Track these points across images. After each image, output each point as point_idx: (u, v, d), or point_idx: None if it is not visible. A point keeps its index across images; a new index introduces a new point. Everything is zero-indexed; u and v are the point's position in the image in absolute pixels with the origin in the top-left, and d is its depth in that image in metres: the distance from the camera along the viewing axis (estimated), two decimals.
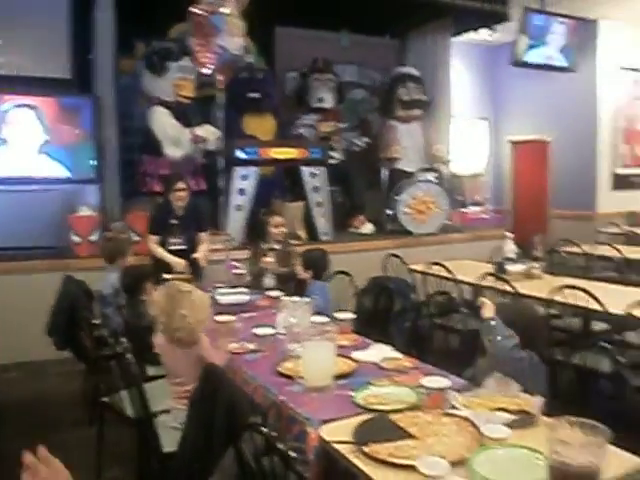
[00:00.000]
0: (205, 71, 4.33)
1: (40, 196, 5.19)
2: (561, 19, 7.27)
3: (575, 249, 5.58)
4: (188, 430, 2.01)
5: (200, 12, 4.15)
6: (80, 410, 3.52)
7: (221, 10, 4.06)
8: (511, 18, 6.68)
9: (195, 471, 1.94)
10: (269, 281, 3.97)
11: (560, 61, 7.50)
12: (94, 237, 5.10)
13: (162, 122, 5.61)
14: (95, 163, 5.39)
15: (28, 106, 5.22)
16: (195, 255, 4.19)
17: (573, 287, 3.43)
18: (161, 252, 4.23)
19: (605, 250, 5.34)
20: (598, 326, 3.65)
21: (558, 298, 3.53)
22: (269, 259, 4.02)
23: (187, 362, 2.42)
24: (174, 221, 4.28)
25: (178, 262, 4.13)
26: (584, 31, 7.49)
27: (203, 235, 4.35)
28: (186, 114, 5.72)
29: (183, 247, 4.25)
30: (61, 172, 5.33)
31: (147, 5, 5.17)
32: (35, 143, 5.26)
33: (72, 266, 4.62)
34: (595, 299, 3.30)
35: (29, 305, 4.25)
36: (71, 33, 5.52)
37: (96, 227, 5.14)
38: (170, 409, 2.47)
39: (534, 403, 1.86)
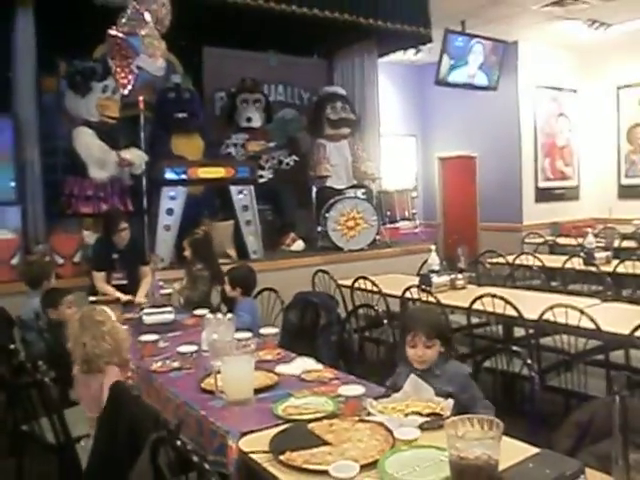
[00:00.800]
0: (124, 92, 4.33)
1: None
2: (481, 40, 7.68)
3: (500, 260, 5.83)
4: (94, 447, 2.02)
5: (116, 34, 4.13)
6: (0, 440, 3.37)
7: (138, 32, 4.06)
8: (434, 39, 6.95)
9: None
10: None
11: (481, 80, 7.93)
12: (15, 261, 4.90)
13: (87, 143, 5.48)
14: (15, 184, 5.21)
15: None
16: (137, 298, 4.19)
17: (492, 295, 3.58)
18: (108, 288, 4.24)
19: (527, 260, 5.58)
20: (520, 332, 3.79)
21: (478, 306, 3.68)
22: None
23: (88, 390, 2.37)
24: (115, 256, 4.31)
25: (125, 298, 4.15)
26: (505, 52, 7.95)
27: (146, 269, 4.37)
28: (112, 134, 5.62)
29: (124, 282, 4.27)
30: None
31: (71, 24, 5.08)
32: None
33: None
34: (512, 306, 3.46)
35: None
36: None
37: (17, 250, 4.94)
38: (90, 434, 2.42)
39: (446, 405, 1.95)
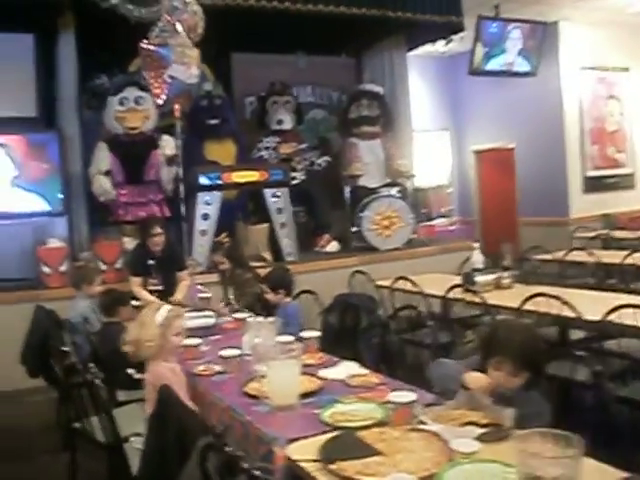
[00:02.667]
0: (159, 102, 4.41)
1: (11, 229, 5.34)
2: (517, 24, 7.31)
3: (547, 256, 5.51)
4: (145, 451, 2.02)
5: (147, 47, 4.19)
6: (54, 437, 3.51)
7: (170, 42, 4.10)
8: (466, 28, 6.74)
9: None
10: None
11: (522, 66, 7.53)
12: (63, 268, 5.14)
13: (97, 159, 5.62)
14: (62, 196, 5.53)
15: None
16: (173, 298, 4.21)
17: (546, 295, 3.35)
18: (143, 294, 4.27)
19: (579, 256, 5.26)
20: (576, 335, 3.54)
21: (530, 307, 3.45)
22: None
23: (147, 379, 2.42)
24: (152, 261, 4.34)
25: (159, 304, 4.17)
26: (544, 34, 7.53)
27: (182, 274, 4.39)
28: (136, 146, 5.70)
29: (160, 288, 4.30)
30: (31, 206, 5.47)
31: (108, 42, 5.42)
32: (7, 180, 5.42)
33: (43, 296, 4.69)
34: (569, 306, 3.23)
35: (2, 335, 4.26)
36: (37, 72, 5.74)
37: (65, 258, 5.20)
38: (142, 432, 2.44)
39: (505, 415, 1.82)
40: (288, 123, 6.71)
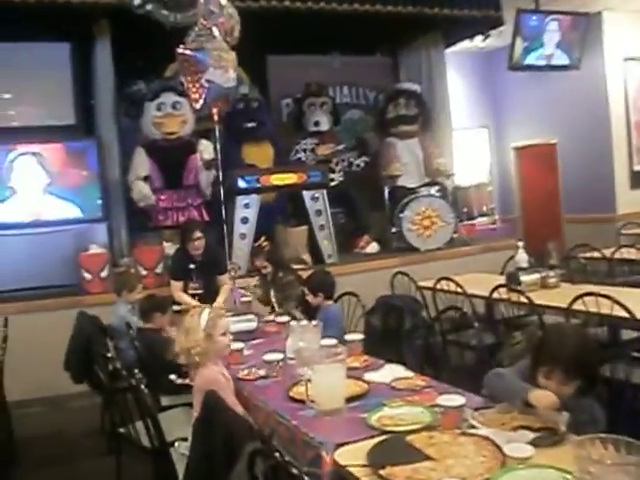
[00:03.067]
0: (196, 106, 4.46)
1: (52, 237, 5.40)
2: (557, 17, 7.07)
3: (595, 254, 5.29)
4: (191, 456, 2.02)
5: (183, 52, 4.22)
6: (98, 441, 3.59)
7: (207, 47, 4.12)
8: (505, 22, 6.60)
9: None
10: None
11: (561, 60, 7.28)
12: (104, 273, 5.22)
13: (135, 164, 5.71)
14: (102, 202, 5.62)
15: (33, 153, 5.47)
16: (215, 304, 4.21)
17: (595, 294, 3.23)
18: (184, 298, 4.29)
19: (628, 253, 5.06)
20: (628, 335, 3.40)
21: (579, 307, 3.32)
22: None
23: (197, 383, 2.42)
24: (192, 266, 4.36)
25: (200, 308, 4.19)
26: (587, 26, 7.27)
27: (223, 278, 4.41)
28: (174, 150, 5.77)
29: (201, 292, 4.31)
30: (71, 213, 5.57)
31: (144, 48, 5.47)
32: (43, 188, 5.52)
33: (85, 302, 4.76)
34: (621, 306, 3.10)
35: (47, 342, 4.32)
36: (74, 80, 5.84)
37: (106, 264, 5.27)
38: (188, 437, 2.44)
39: (560, 419, 1.76)
40: (325, 124, 6.69)
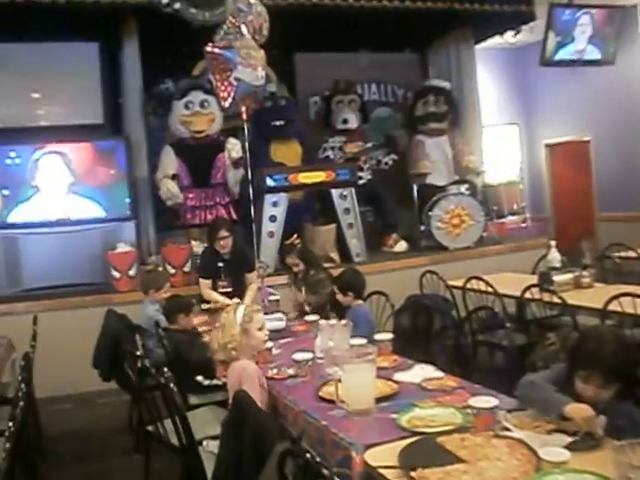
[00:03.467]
0: (225, 105, 4.47)
1: (81, 235, 5.45)
2: (589, 10, 6.90)
3: (630, 253, 5.15)
4: (220, 455, 2.02)
5: (212, 50, 4.23)
6: (126, 438, 3.63)
7: (235, 45, 4.12)
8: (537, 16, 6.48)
9: None
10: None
11: (593, 54, 7.12)
12: (133, 272, 5.26)
13: (163, 162, 5.73)
14: (130, 201, 5.65)
15: (58, 152, 5.53)
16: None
17: (632, 295, 3.17)
18: (214, 295, 4.29)
19: None
20: None
21: (615, 308, 3.25)
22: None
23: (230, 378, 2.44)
24: (221, 264, 4.36)
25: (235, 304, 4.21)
26: (622, 19, 7.11)
27: (251, 275, 4.40)
28: (202, 148, 5.79)
29: (229, 290, 4.31)
30: (100, 212, 5.62)
31: (172, 47, 5.51)
32: (67, 187, 5.57)
33: (113, 300, 4.81)
34: None
35: (75, 339, 4.37)
36: (102, 80, 5.88)
37: (134, 262, 5.30)
38: (215, 435, 2.45)
39: (597, 423, 1.70)
40: (353, 122, 6.65)
